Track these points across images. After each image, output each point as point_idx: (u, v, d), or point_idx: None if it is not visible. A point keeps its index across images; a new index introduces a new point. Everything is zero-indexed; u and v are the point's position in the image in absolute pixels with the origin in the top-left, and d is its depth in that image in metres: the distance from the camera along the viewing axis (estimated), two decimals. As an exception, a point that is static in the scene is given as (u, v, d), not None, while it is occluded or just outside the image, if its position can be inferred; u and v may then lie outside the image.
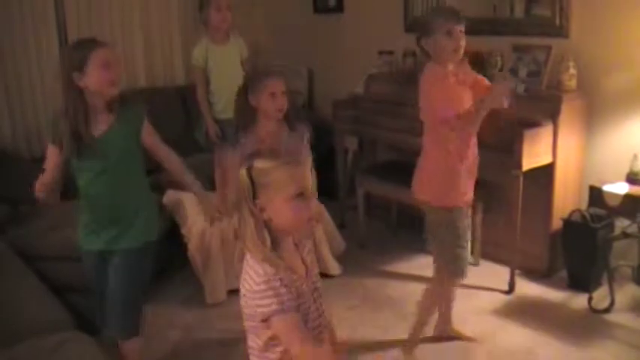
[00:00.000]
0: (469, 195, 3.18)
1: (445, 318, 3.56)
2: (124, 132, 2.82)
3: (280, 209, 1.86)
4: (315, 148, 5.45)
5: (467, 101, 3.04)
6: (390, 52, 4.94)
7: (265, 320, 1.83)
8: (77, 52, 2.71)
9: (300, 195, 1.86)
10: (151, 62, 5.56)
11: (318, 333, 1.98)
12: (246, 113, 3.19)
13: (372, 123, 4.74)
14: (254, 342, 1.94)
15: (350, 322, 3.80)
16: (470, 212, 3.25)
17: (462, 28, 3.00)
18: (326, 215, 4.38)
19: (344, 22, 5.59)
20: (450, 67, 3.04)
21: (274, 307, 1.81)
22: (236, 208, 1.91)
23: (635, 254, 3.94)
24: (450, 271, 3.22)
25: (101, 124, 2.78)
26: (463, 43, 3.01)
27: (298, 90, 5.97)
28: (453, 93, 3.01)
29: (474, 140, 3.15)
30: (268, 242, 1.86)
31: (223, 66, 4.19)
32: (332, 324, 2.18)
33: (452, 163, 3.07)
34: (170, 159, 3.00)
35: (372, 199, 4.89)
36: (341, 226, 4.92)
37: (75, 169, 2.83)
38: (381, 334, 3.67)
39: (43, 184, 2.73)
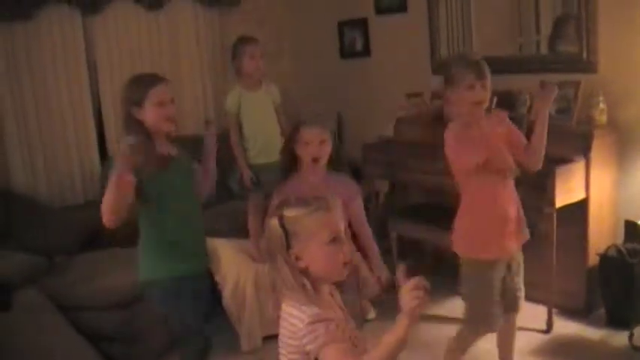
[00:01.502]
0: (505, 248, 3.14)
1: None
2: (186, 161, 3.02)
3: (315, 256, 1.86)
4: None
5: (494, 147, 3.01)
6: (418, 95, 4.96)
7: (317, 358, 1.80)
8: (136, 88, 2.88)
9: (334, 240, 1.87)
10: (181, 111, 5.62)
11: None
12: (287, 161, 3.21)
13: (404, 166, 4.73)
14: None
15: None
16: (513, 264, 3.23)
17: (483, 82, 2.97)
18: (359, 257, 4.37)
19: (371, 65, 5.65)
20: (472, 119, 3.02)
21: (323, 339, 1.78)
22: (270, 259, 1.91)
23: (676, 289, 3.87)
24: (477, 323, 3.20)
25: (166, 150, 2.92)
26: (484, 96, 2.99)
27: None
28: (477, 141, 2.97)
29: (502, 191, 3.10)
30: (309, 286, 1.86)
31: (256, 112, 4.25)
32: None
33: (478, 214, 3.08)
34: None
35: (405, 242, 4.88)
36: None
37: (152, 192, 2.86)
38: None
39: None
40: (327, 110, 6.03)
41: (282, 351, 1.90)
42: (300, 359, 1.84)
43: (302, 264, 1.87)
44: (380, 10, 5.44)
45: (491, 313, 3.14)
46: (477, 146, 2.94)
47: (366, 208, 5.11)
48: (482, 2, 4.79)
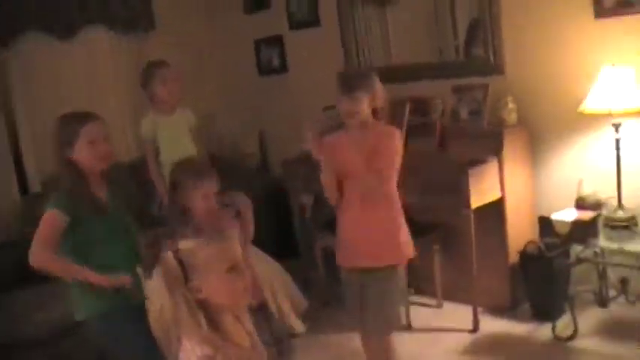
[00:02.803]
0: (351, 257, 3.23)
1: None
2: (117, 198, 2.94)
3: (215, 287, 1.84)
4: (271, 208, 5.51)
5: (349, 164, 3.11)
6: (334, 107, 4.97)
7: None
8: (66, 128, 2.81)
9: (232, 268, 1.86)
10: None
11: None
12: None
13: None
14: None
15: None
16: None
17: (353, 96, 3.01)
18: (284, 273, 4.36)
19: (289, 81, 5.66)
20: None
21: None
22: (169, 293, 1.86)
23: (595, 278, 3.97)
24: None
25: (99, 189, 2.86)
26: (355, 108, 3.03)
27: (251, 152, 6.01)
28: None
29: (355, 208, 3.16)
30: (204, 323, 1.83)
31: (173, 137, 4.15)
32: None
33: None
34: None
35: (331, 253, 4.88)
36: (305, 283, 4.89)
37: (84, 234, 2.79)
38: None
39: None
40: (250, 128, 6.03)
41: None
42: None
43: (202, 296, 1.84)
44: (293, 26, 5.46)
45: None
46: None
47: (291, 222, 5.17)
48: (399, 11, 4.87)
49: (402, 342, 4.00)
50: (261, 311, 3.11)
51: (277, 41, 5.64)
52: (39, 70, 5.13)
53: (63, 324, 3.47)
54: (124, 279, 2.70)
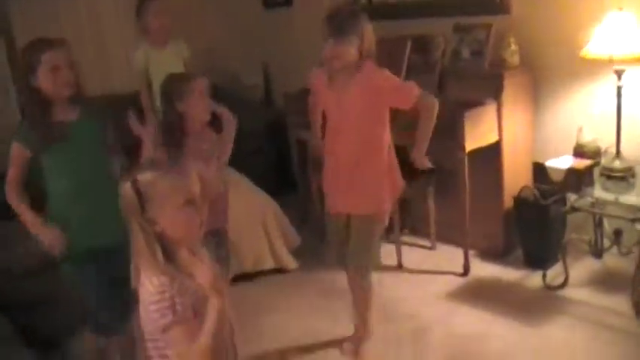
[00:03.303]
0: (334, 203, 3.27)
1: None
2: (88, 125, 2.85)
3: (171, 219, 1.84)
4: (272, 142, 5.47)
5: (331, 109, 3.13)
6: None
7: (165, 331, 1.81)
8: (29, 55, 2.76)
9: (189, 203, 1.85)
10: (109, 69, 5.53)
11: (221, 327, 1.93)
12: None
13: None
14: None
15: (300, 313, 3.82)
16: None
17: (337, 39, 2.91)
18: (277, 210, 4.36)
19: (293, 15, 5.55)
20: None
21: (168, 319, 1.78)
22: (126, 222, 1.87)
23: (591, 228, 3.90)
24: None
25: (66, 115, 2.81)
26: (338, 52, 2.93)
27: (255, 85, 5.95)
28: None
29: (338, 147, 3.13)
30: (159, 255, 1.84)
31: (165, 69, 4.12)
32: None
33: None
34: None
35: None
36: (302, 220, 4.89)
37: (46, 168, 2.82)
38: (330, 324, 3.64)
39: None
40: (254, 61, 5.95)
41: (142, 315, 1.87)
42: (152, 330, 1.84)
43: (158, 228, 1.84)
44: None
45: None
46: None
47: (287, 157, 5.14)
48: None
49: (391, 282, 4.05)
50: (216, 236, 3.08)
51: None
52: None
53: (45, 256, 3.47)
54: (56, 238, 2.77)
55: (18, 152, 2.77)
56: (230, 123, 3.17)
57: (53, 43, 2.79)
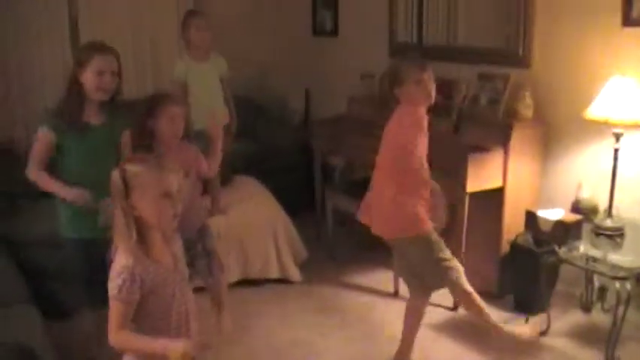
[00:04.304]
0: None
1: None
2: (111, 131, 3.17)
3: (147, 207, 2.15)
4: (303, 163, 5.75)
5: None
6: (371, 76, 5.16)
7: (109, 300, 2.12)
8: (83, 53, 3.12)
9: (165, 195, 2.15)
10: (158, 70, 5.89)
11: (180, 319, 2.25)
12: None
13: (347, 142, 4.95)
14: None
15: (293, 323, 4.06)
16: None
17: (429, 74, 3.29)
18: (288, 224, 4.63)
19: (338, 45, 5.84)
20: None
21: (114, 292, 2.09)
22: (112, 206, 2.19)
23: (582, 281, 4.04)
24: None
25: (93, 118, 3.13)
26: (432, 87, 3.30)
27: (295, 109, 6.25)
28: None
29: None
30: (134, 236, 2.14)
31: (202, 82, 4.49)
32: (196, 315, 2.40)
33: None
34: None
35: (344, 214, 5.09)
36: (317, 238, 5.15)
37: (65, 156, 3.10)
38: (318, 339, 3.87)
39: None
40: (298, 85, 6.26)
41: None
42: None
43: (136, 212, 2.15)
44: (348, -8, 5.64)
45: None
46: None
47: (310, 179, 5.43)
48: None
49: (384, 306, 4.25)
50: (200, 230, 3.49)
51: (332, 4, 5.83)
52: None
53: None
54: (80, 194, 3.03)
55: (45, 137, 3.07)
56: (217, 137, 3.47)
57: (105, 49, 3.12)
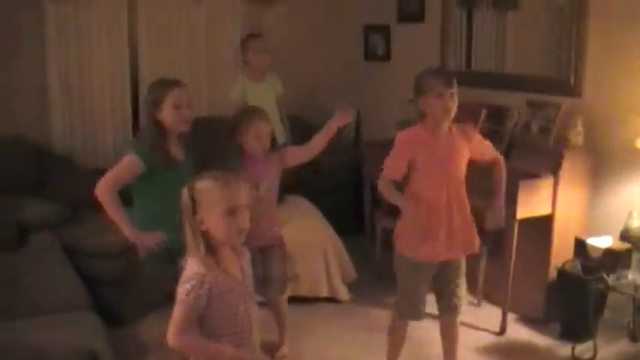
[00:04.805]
0: (431, 252, 3.34)
1: None
2: (187, 164, 3.32)
3: (214, 223, 2.25)
4: (352, 184, 5.84)
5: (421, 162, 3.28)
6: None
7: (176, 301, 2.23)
8: (155, 91, 3.25)
9: (231, 212, 2.25)
10: (217, 92, 5.99)
11: (242, 331, 2.33)
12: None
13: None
14: None
15: (341, 341, 4.16)
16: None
17: (453, 91, 3.23)
18: (339, 244, 4.72)
19: (389, 69, 5.95)
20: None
21: (182, 295, 2.20)
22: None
23: (631, 310, 4.05)
24: (400, 310, 3.55)
25: (176, 152, 3.28)
26: (453, 105, 3.23)
27: (345, 130, 6.35)
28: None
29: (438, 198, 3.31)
30: (202, 248, 2.25)
31: (259, 101, 4.62)
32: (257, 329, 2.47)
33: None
34: None
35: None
36: (365, 259, 5.23)
37: (152, 188, 3.22)
38: (365, 356, 3.96)
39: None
40: (349, 107, 6.36)
41: None
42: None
43: (203, 227, 2.26)
44: (401, 19, 5.77)
45: (412, 304, 3.43)
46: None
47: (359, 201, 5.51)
48: (484, 19, 5.10)
49: (429, 326, 4.27)
50: (275, 250, 3.67)
51: (385, 30, 5.95)
52: (164, 18, 5.69)
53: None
54: (152, 239, 3.15)
55: (133, 165, 3.15)
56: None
57: (179, 82, 3.27)
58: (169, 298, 3.17)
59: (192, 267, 2.23)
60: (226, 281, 2.26)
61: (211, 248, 2.27)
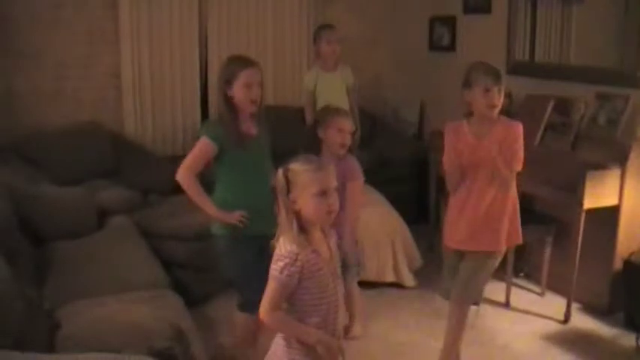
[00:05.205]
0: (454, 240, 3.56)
1: None
2: (263, 140, 3.44)
3: (306, 203, 2.37)
4: (416, 174, 5.94)
5: (467, 156, 3.38)
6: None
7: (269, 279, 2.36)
8: (229, 68, 3.33)
9: (322, 193, 2.37)
10: (283, 81, 6.23)
11: (329, 309, 2.44)
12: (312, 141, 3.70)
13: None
14: None
15: (406, 325, 4.31)
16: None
17: (500, 87, 3.30)
18: (406, 232, 4.84)
19: (454, 60, 6.01)
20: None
21: (276, 272, 2.33)
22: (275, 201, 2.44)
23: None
24: None
25: (249, 129, 3.36)
26: (498, 102, 3.30)
27: (409, 120, 6.46)
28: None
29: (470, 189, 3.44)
30: (295, 227, 2.38)
31: (330, 91, 4.80)
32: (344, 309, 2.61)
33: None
34: None
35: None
36: (430, 248, 5.32)
37: (226, 167, 3.33)
38: (428, 340, 4.07)
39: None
40: (413, 97, 6.47)
41: None
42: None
43: (296, 207, 2.39)
44: (467, 10, 5.82)
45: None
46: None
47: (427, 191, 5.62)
48: (551, 10, 5.09)
49: (495, 315, 4.41)
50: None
51: (450, 21, 6.01)
52: (234, 10, 5.93)
53: (202, 228, 4.04)
54: (235, 216, 3.26)
55: (206, 146, 3.26)
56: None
57: (252, 62, 3.34)
58: (246, 286, 3.32)
59: (285, 245, 2.35)
60: (317, 260, 2.38)
61: (302, 228, 2.39)
